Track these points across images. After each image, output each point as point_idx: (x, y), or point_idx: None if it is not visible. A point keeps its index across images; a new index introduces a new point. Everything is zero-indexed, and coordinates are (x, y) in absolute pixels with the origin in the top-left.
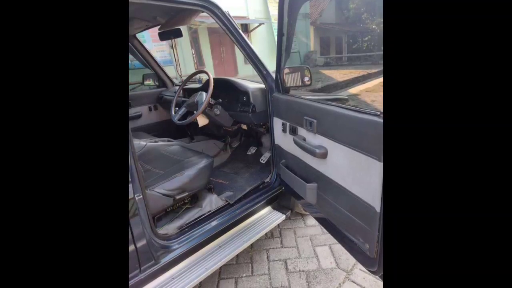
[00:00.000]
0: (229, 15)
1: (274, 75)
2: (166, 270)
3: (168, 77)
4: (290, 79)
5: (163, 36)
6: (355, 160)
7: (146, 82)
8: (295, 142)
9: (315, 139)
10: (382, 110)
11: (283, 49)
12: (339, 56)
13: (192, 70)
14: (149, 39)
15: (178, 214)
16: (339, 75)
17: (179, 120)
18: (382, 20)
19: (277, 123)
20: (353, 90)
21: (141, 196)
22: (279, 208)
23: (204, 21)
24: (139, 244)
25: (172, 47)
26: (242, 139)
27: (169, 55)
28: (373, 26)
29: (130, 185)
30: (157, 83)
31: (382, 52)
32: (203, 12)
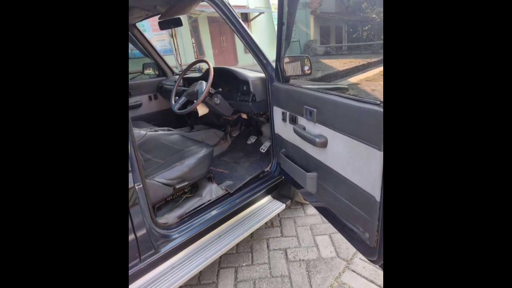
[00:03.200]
0: (229, 4)
1: (274, 64)
2: (166, 259)
3: (168, 66)
4: (290, 68)
5: (163, 25)
6: (355, 149)
7: (146, 71)
8: (295, 131)
9: (315, 128)
10: (382, 99)
11: (283, 38)
12: (339, 46)
13: (192, 59)
14: (149, 28)
15: (178, 204)
16: (339, 64)
17: (179, 109)
18: (382, 10)
19: (277, 112)
20: (353, 79)
21: (141, 185)
22: (279, 197)
23: (204, 10)
24: (139, 233)
25: (172, 36)
26: (242, 128)
27: (169, 44)
28: (373, 16)
29: (130, 174)
30: (157, 72)
31: (382, 42)
32: (203, 1)
